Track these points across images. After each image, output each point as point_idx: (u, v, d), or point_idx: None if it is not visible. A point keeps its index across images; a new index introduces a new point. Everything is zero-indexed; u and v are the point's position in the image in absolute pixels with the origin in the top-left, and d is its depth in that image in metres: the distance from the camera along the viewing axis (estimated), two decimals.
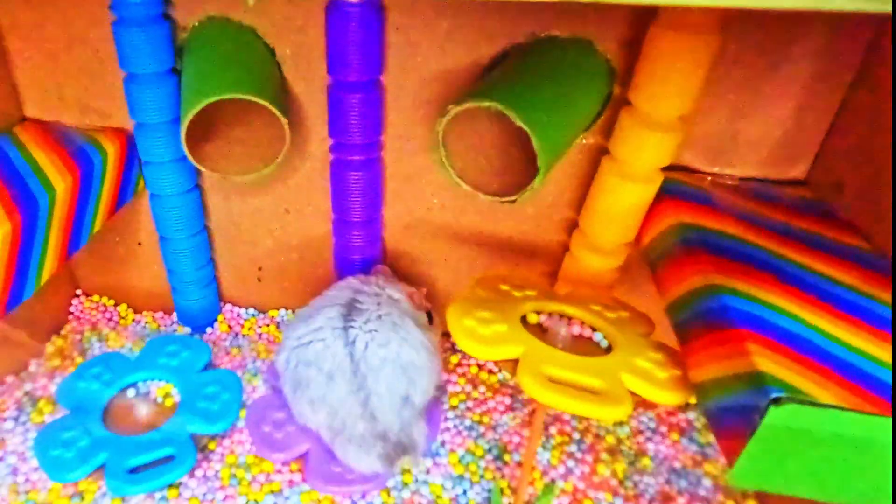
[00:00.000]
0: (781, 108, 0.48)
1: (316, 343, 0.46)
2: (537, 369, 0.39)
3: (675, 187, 0.48)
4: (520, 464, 0.52)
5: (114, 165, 0.58)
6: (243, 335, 0.67)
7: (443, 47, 0.51)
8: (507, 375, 0.60)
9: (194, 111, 0.47)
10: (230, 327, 0.68)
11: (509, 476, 0.51)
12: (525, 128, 0.42)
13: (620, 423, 0.56)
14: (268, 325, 0.68)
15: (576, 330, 0.44)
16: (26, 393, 0.61)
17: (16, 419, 0.57)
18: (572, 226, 0.57)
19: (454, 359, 0.62)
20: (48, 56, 0.59)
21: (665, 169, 0.47)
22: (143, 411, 0.51)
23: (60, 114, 0.62)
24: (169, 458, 0.48)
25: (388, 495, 0.49)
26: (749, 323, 0.34)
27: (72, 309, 0.73)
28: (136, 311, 0.73)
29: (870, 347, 0.32)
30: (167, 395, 0.54)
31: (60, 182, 0.51)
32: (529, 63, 0.48)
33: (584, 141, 0.52)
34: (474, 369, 0.61)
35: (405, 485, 0.50)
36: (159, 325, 0.70)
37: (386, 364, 0.45)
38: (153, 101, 0.53)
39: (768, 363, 0.31)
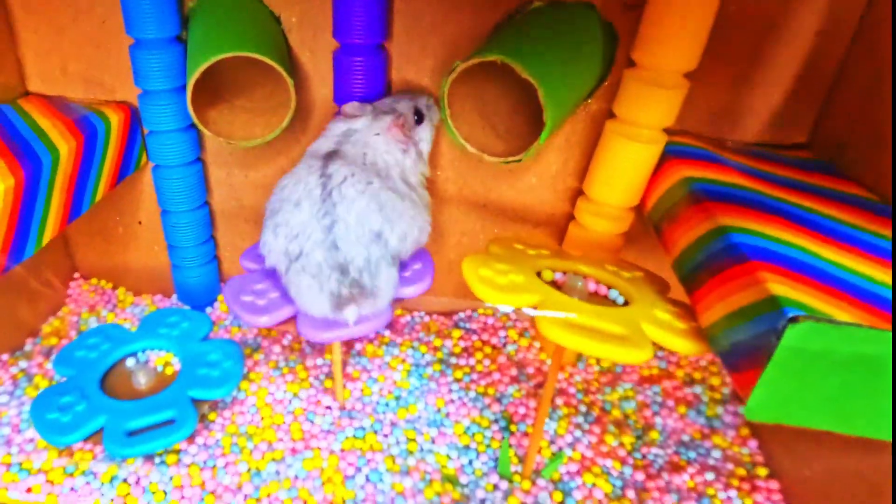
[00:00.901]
0: (781, 73, 0.49)
1: (291, 176, 0.44)
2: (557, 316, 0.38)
3: (680, 148, 0.48)
4: (526, 433, 0.51)
5: (117, 134, 0.57)
6: None
7: (447, 14, 0.52)
8: (512, 352, 0.59)
9: (202, 68, 0.47)
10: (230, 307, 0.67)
11: (516, 445, 0.50)
12: (531, 80, 0.42)
13: (627, 397, 0.56)
14: None
15: (591, 287, 0.44)
16: (22, 370, 0.59)
17: (10, 393, 0.56)
18: (576, 195, 0.56)
19: (457, 333, 0.61)
20: (54, 28, 0.59)
21: (669, 134, 0.47)
22: (142, 379, 0.50)
23: (64, 88, 0.62)
24: (169, 423, 0.47)
25: (393, 463, 0.48)
26: (760, 255, 0.33)
27: (70, 291, 0.72)
28: (134, 294, 0.72)
29: (876, 273, 0.32)
30: (167, 364, 0.53)
31: (64, 145, 0.51)
32: (533, 25, 0.48)
33: (587, 105, 0.52)
34: (478, 343, 0.60)
35: (410, 453, 0.49)
36: (158, 308, 0.69)
37: (361, 197, 0.42)
38: (159, 67, 0.54)
39: (783, 288, 0.31)
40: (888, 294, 0.31)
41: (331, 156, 0.45)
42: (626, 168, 0.48)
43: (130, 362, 0.53)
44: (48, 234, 0.51)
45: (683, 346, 0.37)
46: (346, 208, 0.42)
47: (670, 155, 0.47)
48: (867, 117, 0.45)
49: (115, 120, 0.57)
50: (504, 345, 0.60)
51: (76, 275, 0.74)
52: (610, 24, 0.49)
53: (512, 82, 0.54)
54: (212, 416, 0.53)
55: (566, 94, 0.46)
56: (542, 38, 0.46)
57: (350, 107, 0.49)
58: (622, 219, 0.51)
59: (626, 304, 0.42)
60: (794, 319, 0.29)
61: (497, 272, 0.41)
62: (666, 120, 0.46)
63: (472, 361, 0.57)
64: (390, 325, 0.62)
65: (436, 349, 0.59)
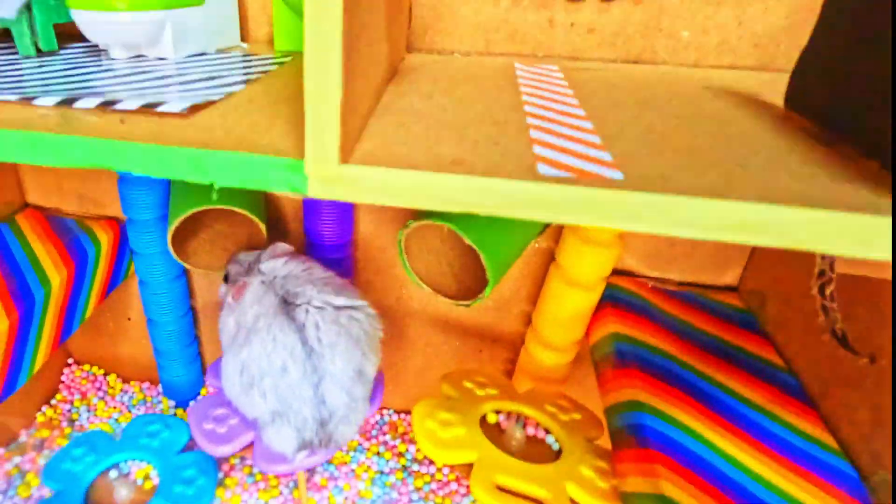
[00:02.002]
0: None
1: (264, 339, 0.45)
2: (489, 477, 0.42)
3: (617, 294, 0.53)
4: None
5: (106, 255, 0.62)
6: None
7: None
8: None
9: (177, 221, 0.52)
10: None
11: None
12: (475, 248, 0.47)
13: None
14: None
15: (530, 431, 0.48)
16: (16, 466, 0.64)
17: (4, 493, 0.60)
18: (529, 318, 0.61)
19: None
20: None
21: (609, 274, 0.52)
22: (122, 494, 0.55)
23: (59, 202, 0.67)
24: None
25: None
26: (662, 444, 0.38)
27: (63, 378, 0.77)
28: (124, 381, 0.77)
29: (768, 474, 0.36)
30: (146, 478, 0.57)
31: (56, 276, 0.56)
32: None
33: (536, 245, 0.57)
34: None
35: None
36: (145, 396, 0.74)
37: (340, 339, 0.45)
38: (144, 201, 0.58)
39: (672, 488, 0.35)
40: (769, 498, 0.35)
41: (287, 302, 0.48)
42: (568, 310, 0.52)
43: (113, 474, 0.58)
44: (39, 362, 0.56)
45: None
46: (330, 359, 0.45)
47: (607, 301, 0.52)
48: (785, 275, 0.49)
49: (105, 240, 0.62)
50: None
51: (70, 360, 0.79)
52: None
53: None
54: None
55: (509, 252, 0.50)
56: None
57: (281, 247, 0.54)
58: (568, 350, 0.55)
59: (559, 451, 0.47)
60: None
61: (442, 424, 0.45)
62: (602, 272, 0.51)
63: (432, 469, 0.62)
64: (360, 428, 0.67)
65: (400, 454, 0.63)
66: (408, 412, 0.69)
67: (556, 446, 0.47)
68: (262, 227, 0.54)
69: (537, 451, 0.46)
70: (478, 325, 0.63)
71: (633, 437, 0.40)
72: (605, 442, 0.48)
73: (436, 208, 0.27)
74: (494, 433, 0.47)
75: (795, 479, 0.36)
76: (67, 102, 0.35)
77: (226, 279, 0.54)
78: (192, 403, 0.54)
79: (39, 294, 0.54)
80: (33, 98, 0.35)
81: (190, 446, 0.61)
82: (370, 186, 0.27)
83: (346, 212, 0.56)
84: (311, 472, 0.61)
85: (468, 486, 0.60)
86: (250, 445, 0.49)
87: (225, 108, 0.35)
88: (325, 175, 0.27)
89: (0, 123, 0.31)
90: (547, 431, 0.48)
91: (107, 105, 0.34)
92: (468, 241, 0.47)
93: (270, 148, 0.29)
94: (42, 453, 0.65)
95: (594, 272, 0.50)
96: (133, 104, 0.34)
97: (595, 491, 0.42)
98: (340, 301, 0.47)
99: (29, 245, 0.60)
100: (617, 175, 0.27)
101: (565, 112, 0.36)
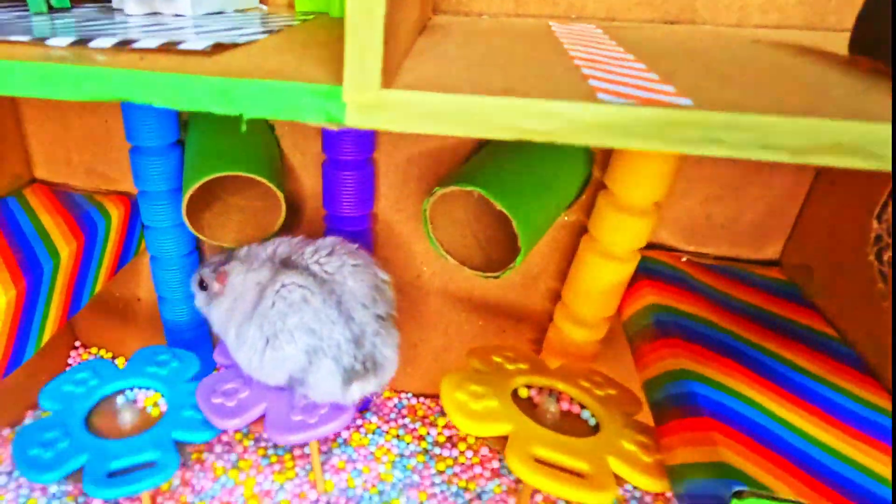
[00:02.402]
0: (752, 193, 0.51)
1: (274, 290, 0.45)
2: (526, 449, 0.40)
3: (652, 267, 0.50)
4: None
5: (117, 229, 0.60)
6: None
7: None
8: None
9: (193, 188, 0.50)
10: None
11: None
12: (507, 213, 0.45)
13: None
14: None
15: (564, 406, 0.46)
16: None
17: (9, 474, 0.58)
18: (557, 295, 0.59)
19: (442, 421, 0.63)
20: (60, 124, 0.62)
21: (643, 247, 0.49)
22: (127, 417, 0.51)
23: (68, 177, 0.65)
24: (151, 465, 0.47)
25: None
26: (716, 411, 0.35)
27: (70, 360, 0.75)
28: None
29: (831, 440, 0.34)
30: (154, 405, 0.54)
31: (65, 247, 0.54)
32: (512, 147, 0.50)
33: (566, 219, 0.54)
34: (462, 432, 0.62)
35: None
36: None
37: (346, 265, 0.46)
38: (157, 172, 0.56)
39: (732, 455, 0.32)
40: (836, 467, 0.32)
41: (286, 264, 0.47)
42: (600, 284, 0.50)
43: (119, 400, 0.53)
44: (47, 335, 0.54)
45: (646, 483, 0.39)
46: (341, 281, 0.45)
47: (642, 274, 0.49)
48: (832, 245, 0.47)
49: (116, 215, 0.60)
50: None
51: (77, 343, 0.76)
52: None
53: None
54: (195, 455, 0.55)
55: (541, 220, 0.48)
56: (520, 162, 0.48)
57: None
58: (599, 327, 0.53)
59: (597, 426, 0.44)
60: (738, 494, 0.30)
61: (472, 396, 0.43)
62: (638, 242, 0.48)
63: (454, 453, 0.59)
64: (377, 410, 0.64)
65: (420, 438, 0.61)
66: (427, 395, 0.67)
67: (592, 421, 0.45)
68: (281, 196, 0.52)
69: (573, 426, 0.44)
70: (502, 303, 0.61)
71: (681, 406, 0.37)
72: (643, 419, 0.46)
73: (487, 135, 0.25)
74: (527, 408, 0.45)
75: (860, 446, 0.33)
76: (82, 42, 0.32)
77: (201, 286, 0.53)
78: (199, 383, 0.51)
79: (48, 265, 0.52)
80: (45, 38, 0.33)
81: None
82: (415, 112, 0.25)
83: (367, 181, 0.54)
84: (327, 453, 0.59)
85: (493, 470, 0.58)
86: (260, 420, 0.47)
87: (250, 50, 0.33)
88: (365, 101, 0.25)
89: (12, 58, 0.29)
90: (582, 406, 0.46)
91: (123, 44, 0.32)
92: (499, 207, 0.45)
93: (304, 77, 0.27)
94: None
95: (629, 242, 0.48)
96: (152, 43, 0.32)
97: (638, 465, 0.40)
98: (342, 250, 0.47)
99: (37, 217, 0.58)
100: (685, 101, 0.24)
101: (614, 57, 0.33)
